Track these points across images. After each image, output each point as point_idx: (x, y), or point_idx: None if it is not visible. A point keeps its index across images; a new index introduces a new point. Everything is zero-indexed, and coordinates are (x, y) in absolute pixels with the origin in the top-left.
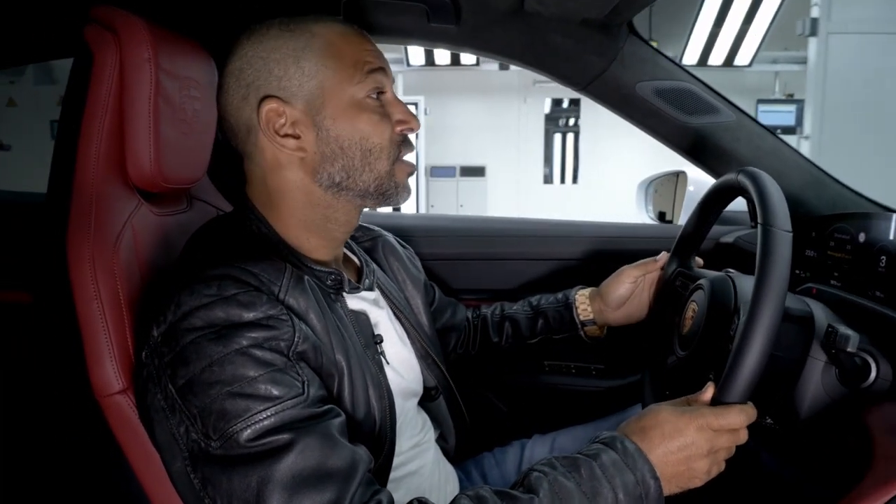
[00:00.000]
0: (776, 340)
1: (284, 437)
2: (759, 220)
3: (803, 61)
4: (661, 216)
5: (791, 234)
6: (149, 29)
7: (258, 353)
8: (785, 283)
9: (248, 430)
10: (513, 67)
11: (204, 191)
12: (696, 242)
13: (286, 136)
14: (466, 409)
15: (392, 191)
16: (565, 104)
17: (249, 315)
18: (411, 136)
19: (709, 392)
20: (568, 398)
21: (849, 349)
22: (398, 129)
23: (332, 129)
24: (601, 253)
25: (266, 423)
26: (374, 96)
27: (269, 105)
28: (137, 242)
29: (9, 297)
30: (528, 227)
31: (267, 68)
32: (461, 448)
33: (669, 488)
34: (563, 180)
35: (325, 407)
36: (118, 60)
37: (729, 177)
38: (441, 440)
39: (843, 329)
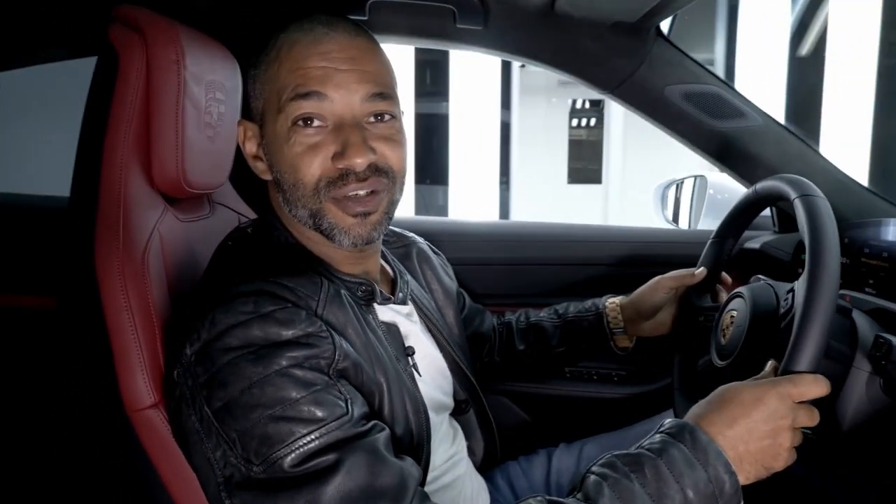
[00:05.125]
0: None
1: (330, 457)
2: (791, 195)
3: None
4: (677, 220)
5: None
6: (176, 29)
7: (299, 373)
8: (836, 248)
9: (293, 455)
10: None
11: (225, 195)
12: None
13: (255, 157)
14: (492, 419)
15: (328, 230)
16: None
17: (288, 333)
18: (361, 170)
19: (771, 372)
20: (591, 405)
21: None
22: (335, 164)
23: (271, 156)
24: (627, 258)
25: (311, 446)
26: (303, 123)
27: (241, 125)
28: (165, 250)
29: (33, 302)
30: (553, 232)
31: (248, 83)
32: (488, 458)
33: (755, 470)
34: None
35: (370, 424)
36: (145, 61)
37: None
38: (469, 452)
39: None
